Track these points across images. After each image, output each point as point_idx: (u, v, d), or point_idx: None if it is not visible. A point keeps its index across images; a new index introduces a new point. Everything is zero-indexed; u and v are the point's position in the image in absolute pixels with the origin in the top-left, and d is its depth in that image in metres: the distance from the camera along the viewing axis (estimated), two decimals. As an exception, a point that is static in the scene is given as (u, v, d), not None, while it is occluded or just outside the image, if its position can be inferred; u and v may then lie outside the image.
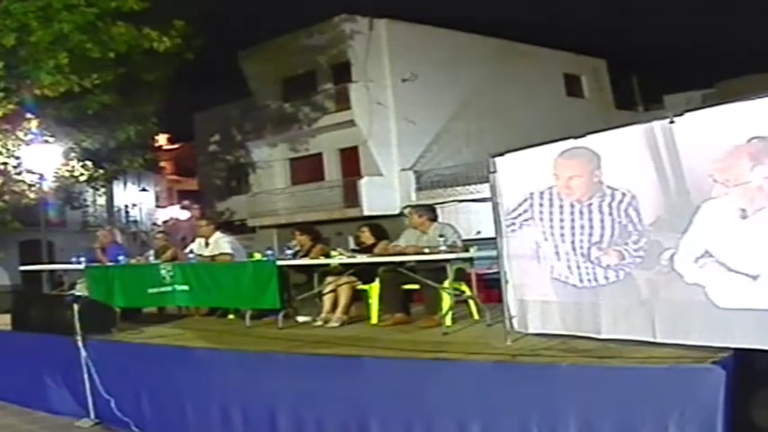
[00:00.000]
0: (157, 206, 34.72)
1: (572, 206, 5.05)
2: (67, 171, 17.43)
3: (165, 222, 31.59)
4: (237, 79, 26.21)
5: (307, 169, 25.91)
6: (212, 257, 8.72)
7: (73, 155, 17.31)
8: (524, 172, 5.36)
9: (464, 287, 7.09)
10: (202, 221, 9.75)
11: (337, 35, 23.71)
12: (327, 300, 7.52)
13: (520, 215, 5.40)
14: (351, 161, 24.50)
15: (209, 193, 29.76)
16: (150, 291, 8.43)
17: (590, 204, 4.93)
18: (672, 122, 4.39)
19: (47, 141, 14.31)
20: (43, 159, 13.97)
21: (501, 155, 5.53)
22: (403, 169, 23.90)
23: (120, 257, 9.23)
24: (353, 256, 7.59)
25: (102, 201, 27.81)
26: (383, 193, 23.19)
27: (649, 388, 4.21)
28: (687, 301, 4.36)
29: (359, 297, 7.64)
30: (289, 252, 7.88)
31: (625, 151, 4.69)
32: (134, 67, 15.50)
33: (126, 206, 31.77)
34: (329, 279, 7.58)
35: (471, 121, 24.02)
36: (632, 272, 4.70)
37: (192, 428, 6.35)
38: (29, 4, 12.88)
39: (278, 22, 25.10)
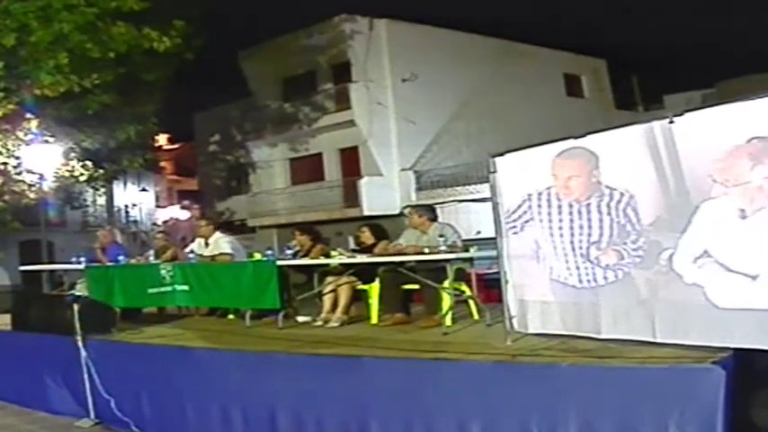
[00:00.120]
0: (157, 206, 34.72)
1: (570, 206, 5.05)
2: (67, 171, 17.43)
3: (165, 222, 31.59)
4: (237, 79, 26.24)
5: (307, 169, 25.91)
6: (212, 257, 8.72)
7: (73, 155, 17.31)
8: (524, 172, 5.37)
9: (464, 287, 7.09)
10: (202, 221, 9.75)
11: (337, 35, 23.71)
12: (327, 300, 7.52)
13: (520, 216, 5.41)
14: (351, 161, 24.50)
15: (209, 193, 29.76)
16: (150, 291, 8.43)
17: (588, 204, 4.93)
18: (672, 122, 4.39)
19: (47, 141, 14.32)
20: (43, 159, 13.98)
21: (501, 155, 5.53)
22: (403, 169, 23.90)
23: (120, 257, 9.24)
24: (353, 256, 7.59)
25: (102, 201, 27.82)
26: (383, 193, 23.19)
27: (649, 388, 4.21)
28: (686, 301, 4.36)
29: (359, 297, 7.64)
30: (289, 252, 7.88)
31: (625, 151, 4.69)
32: (134, 67, 15.50)
33: (126, 206, 31.77)
34: (329, 279, 7.58)
35: (471, 121, 24.03)
36: (631, 272, 4.70)
37: (192, 428, 6.35)
38: (29, 4, 12.88)
39: (278, 22, 25.17)
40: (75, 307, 7.15)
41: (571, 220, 5.04)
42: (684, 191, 4.36)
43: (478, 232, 13.61)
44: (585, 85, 29.23)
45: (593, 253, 4.92)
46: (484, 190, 7.91)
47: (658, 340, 4.53)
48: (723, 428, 3.91)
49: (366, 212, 22.10)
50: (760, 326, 3.99)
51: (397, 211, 21.94)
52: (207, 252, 8.83)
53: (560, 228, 5.12)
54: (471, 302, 7.08)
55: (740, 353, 4.10)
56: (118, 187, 29.29)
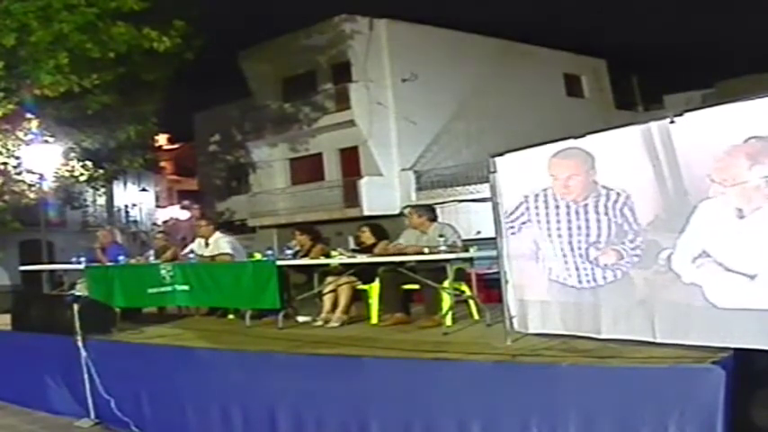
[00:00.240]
0: (157, 206, 34.71)
1: (568, 207, 5.06)
2: (67, 171, 17.43)
3: (165, 222, 31.59)
4: (237, 79, 26.23)
5: (307, 169, 25.90)
6: (212, 257, 8.72)
7: (73, 155, 17.31)
8: (524, 172, 5.37)
9: (464, 287, 7.09)
10: (202, 221, 9.75)
11: (337, 35, 23.71)
12: (327, 300, 7.53)
13: (518, 217, 5.41)
14: (351, 161, 24.50)
15: (209, 193, 29.74)
16: (150, 291, 8.44)
17: (586, 205, 4.93)
18: (672, 122, 4.39)
19: (47, 141, 14.31)
20: (43, 159, 13.97)
21: (501, 155, 5.53)
22: (403, 169, 23.90)
23: (120, 257, 9.24)
24: (353, 256, 7.59)
25: (102, 201, 27.82)
26: (383, 193, 23.18)
27: (649, 388, 4.21)
28: (686, 301, 4.36)
29: (359, 297, 7.65)
30: (289, 252, 7.87)
31: (623, 151, 4.70)
32: (134, 67, 15.49)
33: (126, 206, 31.77)
34: (329, 279, 7.58)
35: (471, 121, 24.02)
36: (630, 271, 4.70)
37: (192, 428, 6.35)
38: (29, 4, 12.89)
39: (278, 22, 25.14)
40: (75, 307, 7.16)
41: (569, 221, 5.05)
42: (682, 191, 4.36)
43: (478, 232, 13.60)
44: (585, 86, 29.23)
45: (592, 253, 4.92)
46: (484, 190, 7.91)
47: (658, 340, 4.53)
48: (723, 428, 3.92)
49: (366, 212, 22.09)
50: (760, 326, 3.99)
51: (397, 211, 21.91)
52: (207, 252, 8.83)
53: (558, 228, 5.13)
54: (471, 302, 7.08)
55: (740, 353, 4.10)
56: (118, 187, 29.28)
